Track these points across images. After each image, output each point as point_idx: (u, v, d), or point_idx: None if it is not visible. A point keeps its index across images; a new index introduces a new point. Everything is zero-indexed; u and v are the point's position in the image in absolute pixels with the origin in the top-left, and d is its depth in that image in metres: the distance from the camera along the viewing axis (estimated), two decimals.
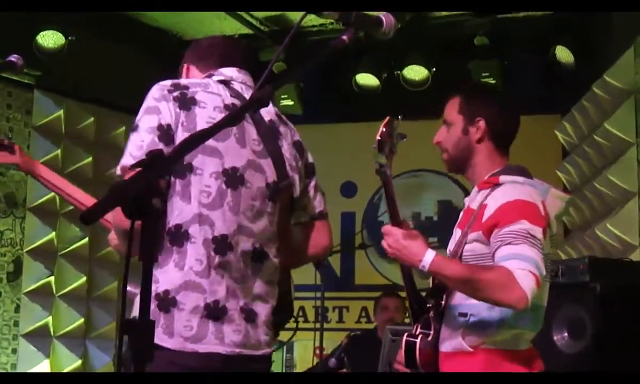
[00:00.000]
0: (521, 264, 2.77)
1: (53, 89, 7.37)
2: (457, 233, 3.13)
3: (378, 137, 3.05)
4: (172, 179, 2.58)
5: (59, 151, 7.27)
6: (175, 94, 2.63)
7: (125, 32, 7.55)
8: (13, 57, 3.47)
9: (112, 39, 7.50)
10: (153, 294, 2.51)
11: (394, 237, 2.96)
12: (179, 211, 2.57)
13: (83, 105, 7.52)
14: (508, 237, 2.84)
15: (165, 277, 2.55)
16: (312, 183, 2.93)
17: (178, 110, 2.60)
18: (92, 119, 7.55)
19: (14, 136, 7.12)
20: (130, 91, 7.07)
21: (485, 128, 3.10)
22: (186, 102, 2.63)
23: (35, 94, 7.29)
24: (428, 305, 3.11)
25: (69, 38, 6.98)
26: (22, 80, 7.20)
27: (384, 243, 2.99)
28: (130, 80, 7.28)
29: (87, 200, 3.75)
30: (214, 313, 2.57)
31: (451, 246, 3.14)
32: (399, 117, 3.11)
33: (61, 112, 7.36)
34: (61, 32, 6.96)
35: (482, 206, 2.99)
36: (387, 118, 3.09)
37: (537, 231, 2.87)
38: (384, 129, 3.06)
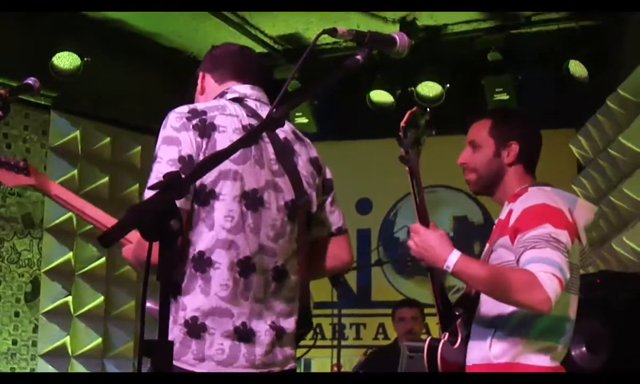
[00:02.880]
0: (544, 267, 2.75)
1: (69, 110, 7.41)
2: (486, 248, 3.13)
3: (402, 124, 3.02)
4: (196, 207, 2.57)
5: (75, 171, 7.31)
6: (195, 122, 2.61)
7: (140, 52, 7.59)
8: (30, 80, 3.49)
9: (127, 60, 7.54)
10: (182, 321, 2.55)
11: (420, 236, 2.93)
12: (202, 238, 2.58)
13: (99, 125, 7.56)
14: (531, 241, 2.82)
15: (192, 303, 2.56)
16: (330, 199, 2.91)
17: (199, 139, 2.58)
18: (108, 139, 7.59)
19: (31, 156, 7.16)
20: (146, 111, 7.16)
21: (517, 151, 3.12)
22: (206, 129, 2.60)
23: (52, 115, 7.34)
24: (456, 313, 3.07)
25: (85, 59, 7.02)
26: (38, 102, 7.24)
27: (410, 242, 2.96)
28: (146, 100, 7.36)
29: (105, 219, 3.75)
30: (244, 335, 2.59)
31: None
32: (427, 109, 3.12)
33: (77, 132, 7.40)
34: (77, 53, 7.00)
35: (509, 212, 2.99)
36: (415, 107, 3.09)
37: (562, 235, 2.85)
38: (408, 117, 3.03)
